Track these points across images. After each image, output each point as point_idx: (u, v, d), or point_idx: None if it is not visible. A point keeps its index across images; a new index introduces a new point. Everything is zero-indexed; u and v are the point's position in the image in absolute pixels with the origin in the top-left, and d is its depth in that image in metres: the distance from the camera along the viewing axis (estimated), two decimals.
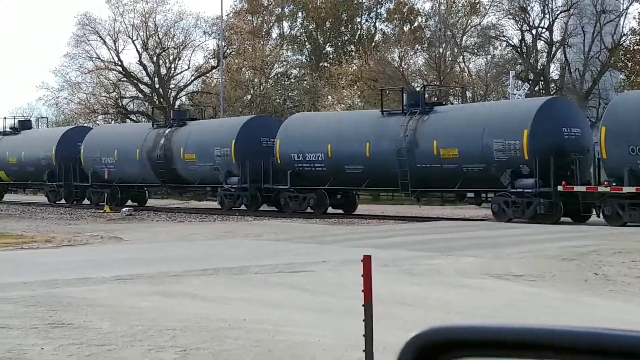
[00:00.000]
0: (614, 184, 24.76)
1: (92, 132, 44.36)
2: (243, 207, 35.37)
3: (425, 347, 1.51)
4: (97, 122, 64.01)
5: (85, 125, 55.60)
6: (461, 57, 57.33)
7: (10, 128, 49.39)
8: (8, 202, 45.91)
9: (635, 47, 52.01)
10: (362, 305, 6.53)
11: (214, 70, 66.23)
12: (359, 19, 68.70)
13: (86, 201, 42.64)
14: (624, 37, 53.01)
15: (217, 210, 36.45)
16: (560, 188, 25.80)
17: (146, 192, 43.69)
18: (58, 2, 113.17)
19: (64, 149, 43.11)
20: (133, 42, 65.11)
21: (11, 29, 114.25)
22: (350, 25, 68.27)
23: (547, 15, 53.98)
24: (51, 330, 8.66)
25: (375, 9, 68.03)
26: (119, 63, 65.66)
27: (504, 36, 56.46)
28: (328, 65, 63.89)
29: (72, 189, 43.21)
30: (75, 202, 43.17)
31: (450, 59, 56.04)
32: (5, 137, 48.48)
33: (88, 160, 41.99)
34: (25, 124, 50.08)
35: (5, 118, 51.06)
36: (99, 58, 65.89)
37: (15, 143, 46.95)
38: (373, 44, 62.56)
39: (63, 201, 43.57)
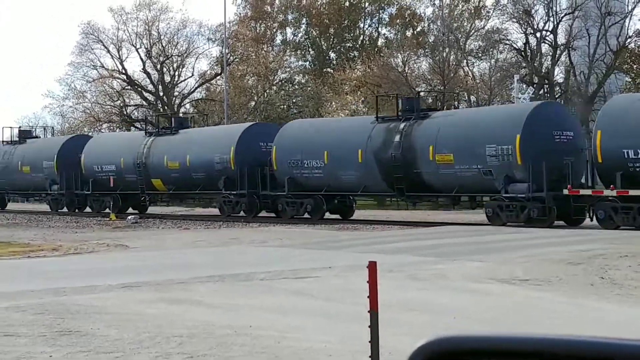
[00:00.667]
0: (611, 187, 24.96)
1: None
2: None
3: (432, 357, 1.53)
4: (102, 130, 64.10)
5: (85, 134, 55.45)
6: (465, 61, 57.34)
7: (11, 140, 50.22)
8: (15, 211, 45.98)
9: None
10: (368, 311, 6.55)
11: (217, 78, 66.34)
12: (361, 25, 68.78)
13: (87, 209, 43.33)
14: (629, 39, 52.96)
15: (221, 217, 36.48)
16: (566, 191, 25.81)
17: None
18: (62, 12, 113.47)
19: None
20: (137, 50, 65.37)
21: (16, 39, 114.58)
22: (353, 31, 68.35)
23: (551, 18, 54.00)
24: (59, 337, 8.69)
25: (377, 15, 68.12)
26: (123, 71, 65.87)
27: (508, 40, 56.49)
28: (331, 71, 63.97)
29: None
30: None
31: (454, 63, 56.05)
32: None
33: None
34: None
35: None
36: (103, 66, 66.15)
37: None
38: (376, 50, 62.60)
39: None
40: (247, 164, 34.75)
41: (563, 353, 1.44)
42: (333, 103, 60.24)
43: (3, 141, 48.48)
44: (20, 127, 52.40)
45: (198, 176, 37.04)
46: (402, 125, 30.32)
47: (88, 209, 43.13)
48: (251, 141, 35.62)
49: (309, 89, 64.25)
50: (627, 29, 53.62)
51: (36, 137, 49.26)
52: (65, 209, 43.30)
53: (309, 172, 33.11)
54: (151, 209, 43.18)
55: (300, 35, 69.97)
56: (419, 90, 56.01)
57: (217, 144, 36.59)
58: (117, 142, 43.43)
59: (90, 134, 56.52)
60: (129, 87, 66.95)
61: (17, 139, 49.60)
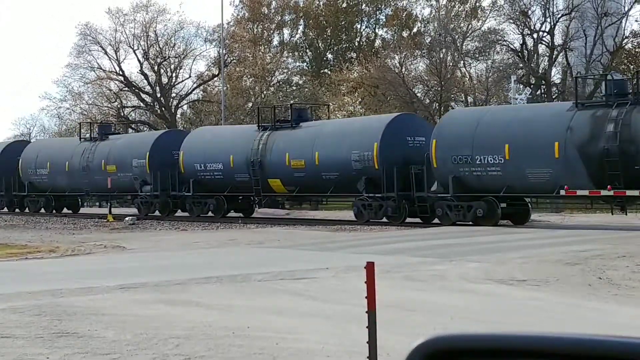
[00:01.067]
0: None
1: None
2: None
3: (429, 355, 1.53)
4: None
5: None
6: (462, 62, 57.36)
7: None
8: (11, 213, 45.95)
9: (637, 50, 52.04)
10: (366, 312, 6.55)
11: (215, 79, 66.34)
12: (358, 26, 68.81)
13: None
14: (625, 40, 53.01)
15: (219, 219, 36.45)
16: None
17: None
18: (59, 13, 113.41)
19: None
20: (134, 51, 65.29)
21: (13, 41, 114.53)
22: (350, 32, 68.38)
23: (548, 19, 54.02)
24: (56, 339, 8.68)
25: (374, 16, 68.16)
26: (121, 73, 65.82)
27: (504, 40, 56.50)
28: (329, 72, 63.99)
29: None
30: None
31: (451, 64, 56.07)
32: None
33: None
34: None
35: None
36: (101, 68, 66.07)
37: None
38: (373, 50, 62.64)
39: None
40: (393, 163, 29.77)
41: (561, 351, 1.44)
42: (330, 104, 60.25)
43: (81, 138, 44.52)
44: (102, 122, 49.12)
45: (329, 176, 32.05)
46: (614, 113, 25.37)
47: (177, 212, 39.47)
48: (396, 135, 30.73)
49: (306, 90, 64.26)
50: (624, 30, 53.69)
51: (116, 132, 45.29)
52: (157, 212, 38.93)
53: (482, 170, 28.06)
54: (262, 212, 39.61)
55: (297, 36, 70.02)
56: (422, 91, 56.19)
57: (354, 139, 31.51)
58: (224, 137, 37.76)
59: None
60: (127, 88, 66.91)
61: (96, 135, 44.49)
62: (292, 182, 33.46)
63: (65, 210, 45.52)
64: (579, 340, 1.44)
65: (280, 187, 34.13)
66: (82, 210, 47.06)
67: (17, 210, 46.24)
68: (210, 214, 36.41)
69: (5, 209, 45.77)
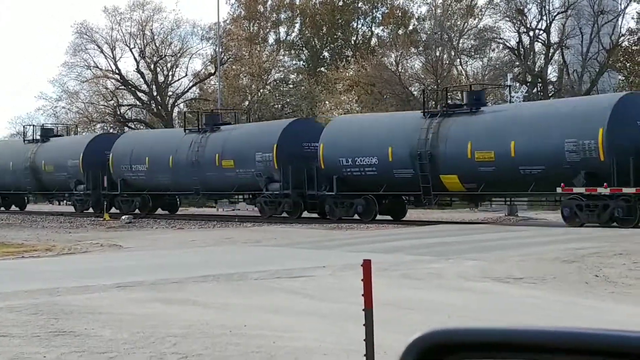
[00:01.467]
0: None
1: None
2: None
3: (426, 350, 1.52)
4: (96, 130, 63.98)
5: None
6: (458, 60, 57.38)
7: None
8: (9, 212, 45.90)
9: (633, 48, 52.07)
10: (363, 310, 6.54)
11: (211, 77, 66.31)
12: (355, 24, 68.80)
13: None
14: (622, 38, 53.05)
15: (215, 216, 36.42)
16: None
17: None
18: (56, 12, 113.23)
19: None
20: (130, 50, 65.25)
21: (9, 40, 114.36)
22: (346, 30, 68.38)
23: (544, 17, 54.07)
24: (53, 338, 8.67)
25: (371, 14, 68.16)
26: (117, 71, 65.75)
27: (500, 38, 56.54)
28: (325, 70, 63.98)
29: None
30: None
31: (447, 62, 56.08)
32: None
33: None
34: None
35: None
36: (97, 66, 66.03)
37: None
38: (369, 49, 62.64)
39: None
40: (623, 152, 24.62)
41: (559, 345, 1.44)
42: (327, 103, 60.27)
43: (186, 129, 39.46)
44: (212, 110, 44.79)
45: (530, 171, 26.51)
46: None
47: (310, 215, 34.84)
48: (628, 118, 25.26)
49: (302, 88, 64.26)
50: (620, 27, 53.75)
51: (226, 123, 39.71)
52: (284, 214, 34.12)
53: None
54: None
55: (293, 34, 70.00)
56: (418, 90, 56.18)
57: (567, 125, 25.88)
58: (377, 127, 32.16)
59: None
60: (123, 87, 66.86)
61: (204, 125, 39.56)
62: (475, 177, 27.96)
63: (160, 210, 40.83)
64: (577, 334, 1.44)
65: (457, 184, 28.75)
66: (191, 211, 42.93)
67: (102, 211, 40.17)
68: (356, 216, 31.66)
69: (91, 209, 41.57)
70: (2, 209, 47.59)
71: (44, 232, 29.59)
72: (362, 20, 68.86)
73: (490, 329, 1.52)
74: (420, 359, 1.51)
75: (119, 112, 66.50)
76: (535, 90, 53.19)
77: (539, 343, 1.46)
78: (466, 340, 1.53)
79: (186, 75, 67.12)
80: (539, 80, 54.24)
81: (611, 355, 1.41)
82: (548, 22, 54.10)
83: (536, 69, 54.88)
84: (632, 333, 1.42)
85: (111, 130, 62.94)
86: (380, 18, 67.28)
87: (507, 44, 56.00)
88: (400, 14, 64.84)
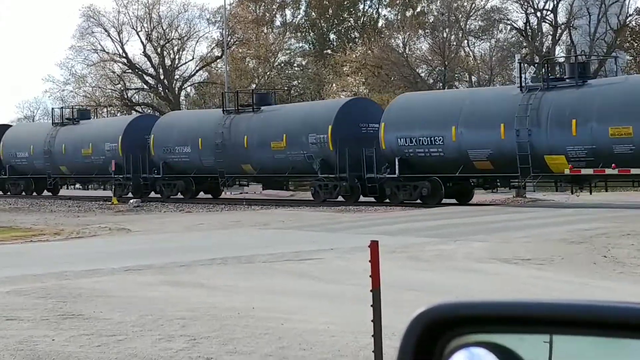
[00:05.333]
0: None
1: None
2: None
3: (431, 323, 1.51)
4: (102, 115, 64.05)
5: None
6: (465, 41, 57.16)
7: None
8: (16, 196, 46.04)
9: None
10: (370, 291, 6.54)
11: (218, 60, 66.22)
12: (361, 6, 68.53)
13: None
14: (629, 18, 52.76)
15: (223, 200, 36.46)
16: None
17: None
18: None
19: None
20: (137, 33, 65.24)
21: (16, 24, 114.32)
22: (353, 12, 68.12)
23: None
24: (62, 321, 8.70)
25: None
26: (124, 55, 65.74)
27: (508, 19, 56.27)
28: (332, 52, 63.80)
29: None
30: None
31: (454, 43, 55.87)
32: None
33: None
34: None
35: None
36: (104, 50, 66.01)
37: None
38: (377, 31, 62.43)
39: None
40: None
41: (570, 318, 1.43)
42: (334, 85, 60.15)
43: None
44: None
45: None
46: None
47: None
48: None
49: (309, 71, 64.12)
50: (628, 8, 53.45)
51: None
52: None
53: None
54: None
55: (299, 16, 69.80)
56: (425, 71, 56.01)
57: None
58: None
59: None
60: (130, 70, 66.85)
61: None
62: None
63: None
64: (589, 306, 1.43)
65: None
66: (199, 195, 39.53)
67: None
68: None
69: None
70: (34, 194, 45.51)
71: (52, 216, 29.67)
72: (368, 2, 68.58)
73: (496, 302, 1.51)
74: (425, 333, 1.50)
75: (126, 96, 66.52)
76: (542, 71, 52.93)
77: (546, 315, 1.46)
78: (472, 313, 1.52)
79: (193, 58, 67.13)
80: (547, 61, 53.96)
81: (623, 328, 1.40)
82: (555, 2, 53.83)
83: (544, 50, 54.64)
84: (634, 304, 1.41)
85: (118, 114, 63.00)
86: (387, 0, 66.99)
87: (515, 25, 55.79)
88: None
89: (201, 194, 38.65)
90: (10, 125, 50.07)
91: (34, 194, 45.65)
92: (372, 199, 31.46)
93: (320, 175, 31.94)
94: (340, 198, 32.05)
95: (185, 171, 37.50)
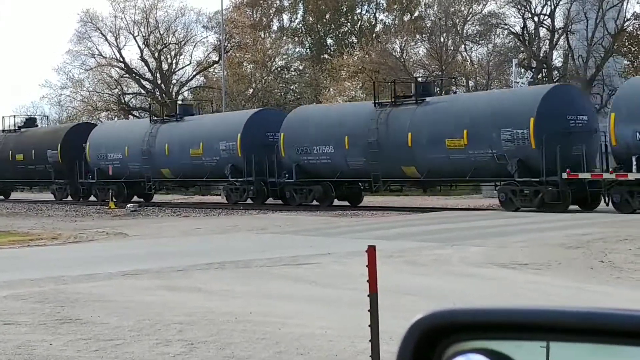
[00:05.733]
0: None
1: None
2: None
3: (429, 330, 1.52)
4: (101, 119, 64.00)
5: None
6: (463, 46, 57.21)
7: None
8: (14, 200, 45.98)
9: (638, 32, 51.85)
10: (368, 296, 6.55)
11: (215, 65, 66.22)
12: (359, 10, 68.60)
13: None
14: (627, 22, 52.81)
15: (221, 204, 36.48)
16: (565, 175, 25.73)
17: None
18: (60, 0, 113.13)
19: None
20: (134, 38, 65.20)
21: (13, 28, 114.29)
22: (350, 17, 68.17)
23: (548, 2, 53.82)
24: (59, 326, 8.70)
25: (375, 0, 67.93)
26: (121, 59, 65.73)
27: (505, 24, 56.32)
28: (329, 57, 63.82)
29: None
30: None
31: (451, 48, 55.91)
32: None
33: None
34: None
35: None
36: (101, 55, 65.98)
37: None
38: (374, 35, 62.46)
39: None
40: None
41: (569, 325, 1.44)
42: (331, 89, 60.17)
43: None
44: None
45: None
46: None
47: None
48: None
49: (306, 75, 64.15)
50: (625, 12, 53.46)
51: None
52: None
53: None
54: None
55: (297, 21, 69.83)
56: (417, 76, 55.98)
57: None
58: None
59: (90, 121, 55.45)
60: (127, 75, 66.82)
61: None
62: None
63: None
64: (586, 313, 1.44)
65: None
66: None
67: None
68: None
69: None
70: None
71: (50, 221, 29.63)
72: (365, 7, 68.63)
73: (493, 309, 1.52)
74: (423, 339, 1.51)
75: (123, 101, 66.48)
76: (540, 75, 53.02)
77: (544, 323, 1.46)
78: (469, 320, 1.53)
79: (190, 63, 67.11)
80: (544, 65, 54.06)
81: (620, 335, 1.41)
82: (553, 7, 53.88)
83: (541, 55, 54.70)
84: (634, 312, 1.42)
85: (115, 119, 62.98)
86: (385, 4, 67.05)
87: (512, 30, 55.81)
88: (405, 0, 64.56)
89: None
90: (94, 124, 47.38)
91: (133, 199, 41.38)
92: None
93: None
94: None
95: (325, 175, 32.99)
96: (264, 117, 36.08)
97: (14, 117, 50.90)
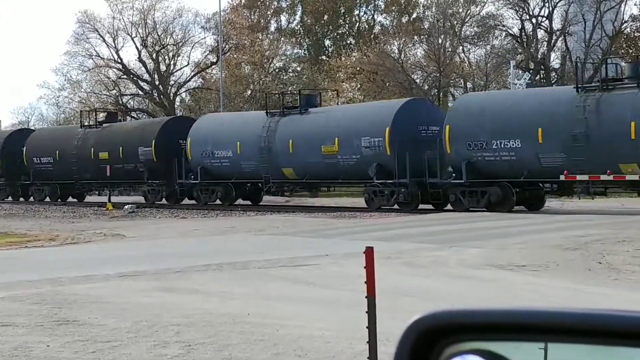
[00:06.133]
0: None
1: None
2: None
3: (426, 331, 1.51)
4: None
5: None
6: (461, 47, 57.24)
7: None
8: (10, 202, 45.93)
9: (636, 34, 51.92)
10: (365, 297, 6.54)
11: (213, 66, 66.22)
12: (357, 12, 68.62)
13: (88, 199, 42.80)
14: (624, 24, 52.88)
15: (218, 206, 36.47)
16: (562, 177, 25.77)
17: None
18: (57, 1, 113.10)
19: None
20: (132, 39, 65.15)
21: (11, 29, 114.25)
22: (348, 18, 68.20)
23: (546, 4, 53.90)
24: (57, 327, 8.68)
25: (373, 1, 67.94)
26: (119, 60, 65.70)
27: (503, 26, 56.39)
28: (327, 58, 63.83)
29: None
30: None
31: (449, 49, 55.96)
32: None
33: None
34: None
35: None
36: (99, 56, 65.96)
37: None
38: (372, 36, 62.49)
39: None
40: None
41: (568, 326, 1.43)
42: (329, 91, 60.15)
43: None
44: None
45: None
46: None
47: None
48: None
49: (304, 77, 64.15)
50: (623, 14, 53.56)
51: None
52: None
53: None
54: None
55: (295, 22, 69.84)
56: (420, 77, 56.06)
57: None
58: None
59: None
60: (125, 76, 66.79)
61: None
62: None
63: None
64: (583, 314, 1.43)
65: None
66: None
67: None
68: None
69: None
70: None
71: (47, 222, 29.61)
72: (364, 8, 68.64)
73: (491, 310, 1.51)
74: (421, 340, 1.50)
75: (121, 102, 66.46)
76: (538, 77, 53.08)
77: (543, 323, 1.46)
78: (467, 321, 1.52)
79: (188, 64, 67.10)
80: (542, 67, 54.11)
81: (618, 336, 1.40)
82: (550, 8, 53.94)
83: (539, 56, 54.75)
84: (632, 313, 1.42)
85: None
86: (383, 6, 67.07)
87: (510, 31, 55.89)
88: (403, 2, 64.60)
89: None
90: (193, 119, 41.87)
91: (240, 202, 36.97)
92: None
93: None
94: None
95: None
96: (415, 108, 31.01)
97: (94, 111, 46.37)
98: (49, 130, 50.95)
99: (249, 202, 36.27)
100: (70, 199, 43.92)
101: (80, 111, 48.31)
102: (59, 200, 43.39)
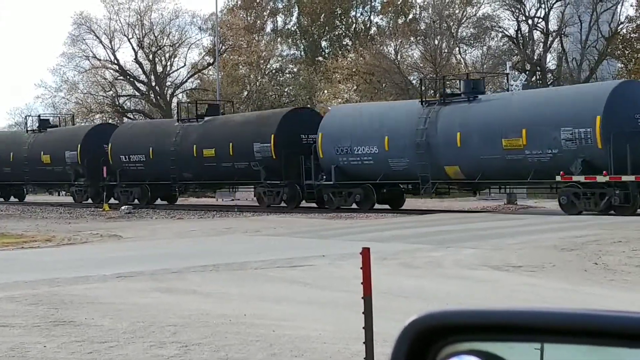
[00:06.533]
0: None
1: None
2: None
3: (422, 331, 1.52)
4: (95, 120, 63.92)
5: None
6: (457, 48, 57.30)
7: None
8: (8, 203, 45.89)
9: (632, 35, 51.99)
10: (362, 298, 6.55)
11: (210, 67, 66.21)
12: (353, 13, 68.66)
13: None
14: (621, 25, 52.96)
15: (215, 206, 36.45)
16: (558, 178, 25.80)
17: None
18: (54, 2, 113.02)
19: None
20: (129, 40, 65.15)
21: (8, 30, 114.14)
22: (345, 19, 68.22)
23: (543, 5, 53.98)
24: (53, 328, 8.68)
25: (369, 2, 67.99)
26: (115, 62, 65.67)
27: (499, 27, 56.45)
28: (323, 59, 63.85)
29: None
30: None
31: (446, 50, 55.99)
32: None
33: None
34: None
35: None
36: (96, 57, 65.92)
37: None
38: (368, 38, 62.53)
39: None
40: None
41: (565, 327, 1.44)
42: (325, 92, 60.20)
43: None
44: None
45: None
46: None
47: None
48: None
49: (301, 78, 64.18)
50: (619, 15, 53.63)
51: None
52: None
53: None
54: None
55: (291, 23, 69.87)
56: (417, 78, 56.07)
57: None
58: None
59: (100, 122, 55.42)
60: (121, 77, 66.76)
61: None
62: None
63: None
64: (580, 315, 1.44)
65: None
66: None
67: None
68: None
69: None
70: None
71: (44, 223, 29.58)
72: (360, 9, 68.70)
73: (487, 311, 1.52)
74: (417, 341, 1.51)
75: (117, 103, 66.41)
76: (534, 78, 53.14)
77: (539, 324, 1.46)
78: (463, 321, 1.53)
79: (185, 65, 67.10)
80: (538, 68, 54.17)
81: (615, 336, 1.41)
82: (547, 10, 54.03)
83: (535, 57, 54.81)
84: (636, 314, 1.43)
85: (109, 121, 62.91)
86: (379, 7, 67.11)
87: (506, 33, 55.95)
88: (400, 3, 64.64)
89: None
90: (314, 110, 39.30)
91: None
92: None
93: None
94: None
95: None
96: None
97: (195, 103, 40.98)
98: (139, 126, 45.42)
99: (387, 206, 31.95)
100: (158, 201, 39.89)
101: (178, 103, 44.27)
102: (147, 203, 38.87)
